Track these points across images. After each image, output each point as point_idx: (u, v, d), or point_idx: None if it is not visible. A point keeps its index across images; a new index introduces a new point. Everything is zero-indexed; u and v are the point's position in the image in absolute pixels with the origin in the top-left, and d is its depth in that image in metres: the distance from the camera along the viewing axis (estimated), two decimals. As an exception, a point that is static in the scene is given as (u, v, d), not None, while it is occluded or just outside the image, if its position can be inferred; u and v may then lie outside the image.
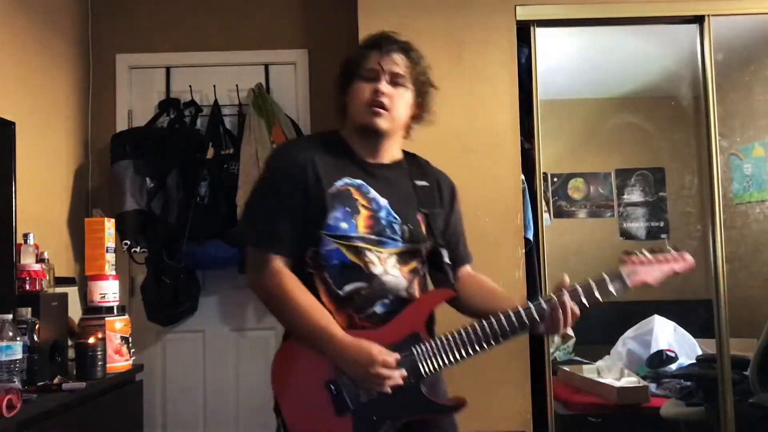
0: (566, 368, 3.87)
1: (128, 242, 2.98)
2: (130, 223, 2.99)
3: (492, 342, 1.51)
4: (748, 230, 4.01)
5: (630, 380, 3.61)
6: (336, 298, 1.55)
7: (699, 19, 2.99)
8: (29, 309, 1.97)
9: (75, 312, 2.46)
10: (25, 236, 2.22)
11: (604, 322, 4.19)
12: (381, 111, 1.58)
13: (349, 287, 1.54)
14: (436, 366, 1.51)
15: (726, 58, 3.32)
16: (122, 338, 2.28)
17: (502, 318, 1.52)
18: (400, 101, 1.61)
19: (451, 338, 1.51)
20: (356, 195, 1.58)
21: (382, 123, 1.59)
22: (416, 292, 1.61)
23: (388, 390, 1.47)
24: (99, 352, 2.11)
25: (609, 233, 4.51)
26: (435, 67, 2.89)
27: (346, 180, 1.58)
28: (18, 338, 1.77)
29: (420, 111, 1.69)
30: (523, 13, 2.92)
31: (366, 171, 1.62)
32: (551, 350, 3.01)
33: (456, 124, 2.86)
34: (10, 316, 1.79)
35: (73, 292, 2.64)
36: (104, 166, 3.21)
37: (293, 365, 1.57)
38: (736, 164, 4.16)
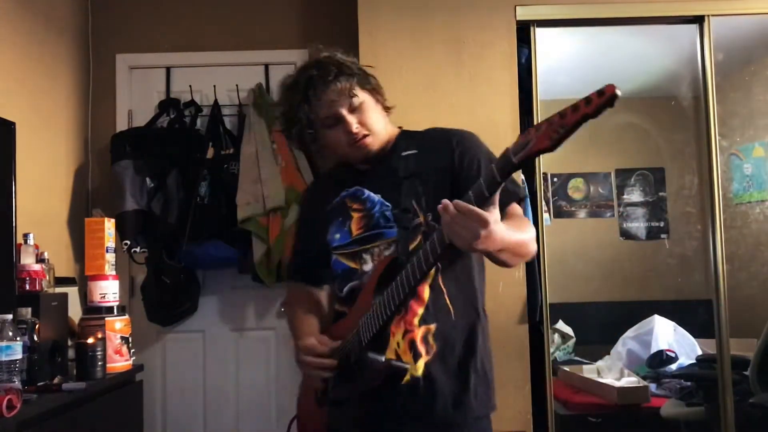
0: (566, 368, 3.87)
1: (128, 242, 2.98)
2: (130, 223, 2.99)
3: (416, 279, 1.37)
4: (748, 230, 4.01)
5: (630, 380, 3.61)
6: (339, 300, 1.65)
7: (699, 19, 2.99)
8: (29, 309, 1.98)
9: (75, 312, 2.46)
10: (25, 236, 2.22)
11: (604, 322, 4.20)
12: (365, 141, 1.56)
13: (347, 288, 1.61)
14: (374, 330, 1.44)
15: (726, 58, 3.32)
16: (122, 338, 2.28)
17: (414, 257, 1.37)
18: (369, 117, 1.57)
19: (382, 298, 1.42)
20: (350, 202, 1.62)
21: (373, 146, 1.58)
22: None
23: (320, 376, 1.53)
24: (99, 352, 2.11)
25: (609, 233, 4.51)
26: (435, 67, 2.92)
27: (343, 193, 1.64)
28: (18, 338, 1.77)
29: (383, 101, 1.65)
30: (523, 13, 2.92)
31: (360, 175, 1.64)
32: (551, 350, 3.01)
33: (456, 124, 2.83)
34: (10, 316, 1.79)
35: (73, 292, 2.64)
36: (104, 166, 3.21)
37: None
38: (736, 164, 4.15)
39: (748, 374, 3.00)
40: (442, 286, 1.53)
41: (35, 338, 1.97)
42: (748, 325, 3.34)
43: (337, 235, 1.62)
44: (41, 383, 1.94)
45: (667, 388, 3.59)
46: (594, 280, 4.30)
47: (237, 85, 3.24)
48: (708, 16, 2.97)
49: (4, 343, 1.73)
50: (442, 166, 1.58)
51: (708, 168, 2.97)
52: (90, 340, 2.10)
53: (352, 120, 1.54)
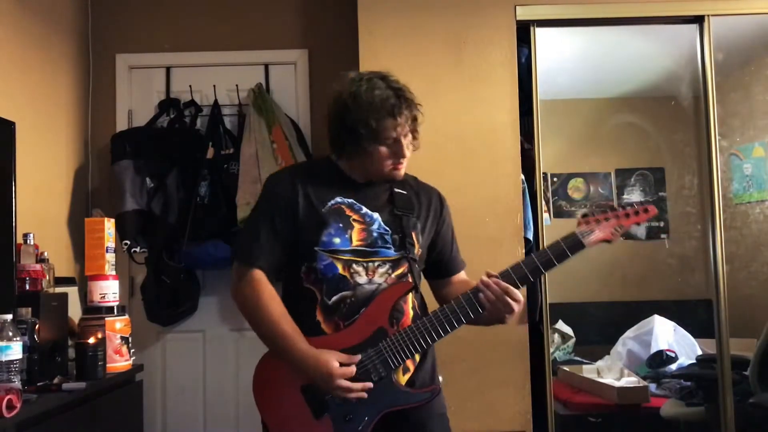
0: (566, 368, 3.87)
1: (128, 242, 2.98)
2: (130, 223, 2.99)
3: (452, 326, 1.62)
4: (748, 230, 4.01)
5: (630, 380, 3.61)
6: (324, 307, 1.65)
7: (699, 19, 2.99)
8: (29, 309, 1.98)
9: (75, 312, 2.46)
10: (25, 236, 2.22)
11: (604, 322, 4.20)
12: (400, 167, 1.70)
13: (336, 297, 1.63)
14: (404, 356, 1.60)
15: (726, 58, 3.32)
16: (122, 338, 2.28)
17: (456, 306, 1.63)
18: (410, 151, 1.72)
19: (414, 328, 1.62)
20: (349, 212, 1.67)
21: (402, 174, 1.73)
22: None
23: (354, 399, 1.57)
24: (99, 352, 2.11)
25: (609, 233, 4.50)
26: (435, 67, 2.93)
27: (338, 199, 1.69)
28: (18, 338, 1.77)
29: (418, 143, 1.76)
30: (523, 13, 2.92)
31: (356, 190, 1.71)
32: (551, 350, 3.01)
33: (456, 125, 2.87)
34: (10, 316, 1.79)
35: (73, 292, 2.64)
36: (104, 166, 3.21)
37: (271, 375, 1.71)
38: (736, 164, 4.15)
39: (748, 374, 3.00)
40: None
41: (35, 338, 1.97)
42: (748, 325, 3.34)
43: (337, 239, 1.64)
44: (41, 383, 1.94)
45: (667, 388, 3.59)
46: (594, 280, 4.29)
47: (237, 85, 3.25)
48: (708, 16, 2.97)
49: (4, 343, 1.73)
50: (433, 214, 1.78)
51: (708, 168, 2.97)
52: (90, 340, 2.10)
53: (405, 146, 1.66)
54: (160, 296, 3.06)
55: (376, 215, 1.68)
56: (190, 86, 3.26)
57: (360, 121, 1.62)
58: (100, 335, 2.13)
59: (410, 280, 1.68)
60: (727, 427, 2.87)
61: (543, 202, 2.98)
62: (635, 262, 4.41)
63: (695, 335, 3.92)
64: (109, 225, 2.41)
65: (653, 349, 3.83)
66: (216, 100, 3.24)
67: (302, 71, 3.35)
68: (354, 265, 1.63)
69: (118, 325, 2.27)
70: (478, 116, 2.88)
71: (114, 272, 2.39)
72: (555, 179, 4.50)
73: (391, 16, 2.90)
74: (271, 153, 3.03)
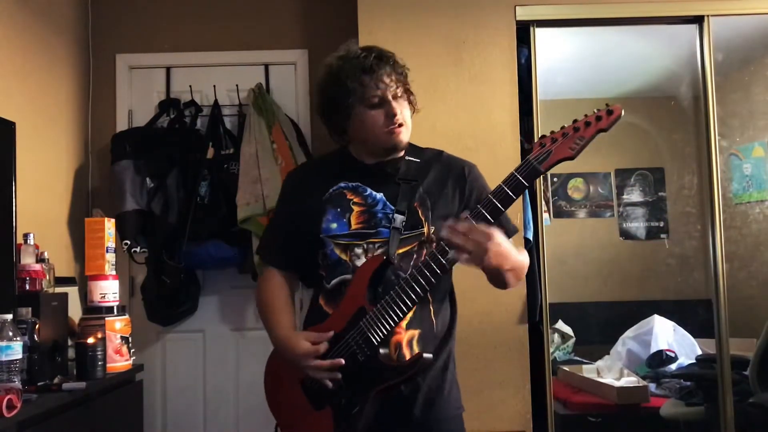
0: (566, 368, 3.87)
1: (128, 242, 2.98)
2: (130, 223, 2.99)
3: (423, 288, 1.50)
4: (748, 230, 4.01)
5: (630, 380, 3.61)
6: (325, 291, 1.66)
7: (699, 20, 2.99)
8: (29, 309, 1.98)
9: (75, 312, 2.46)
10: (25, 236, 2.22)
11: (604, 322, 4.20)
12: (400, 129, 1.63)
13: (335, 280, 1.64)
14: (384, 330, 1.53)
15: (726, 58, 3.32)
16: (122, 338, 2.28)
17: (421, 264, 1.51)
18: (407, 113, 1.66)
19: (388, 298, 1.53)
20: (350, 195, 1.66)
21: (405, 137, 1.65)
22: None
23: (329, 384, 1.55)
24: (99, 352, 2.11)
25: (609, 233, 4.50)
26: (435, 67, 2.93)
27: (342, 184, 1.68)
28: (18, 338, 1.77)
29: (415, 102, 1.72)
30: (523, 14, 2.92)
31: (363, 172, 1.69)
32: (551, 350, 3.01)
33: (456, 124, 2.87)
34: (10, 316, 1.79)
35: (73, 292, 2.64)
36: (104, 166, 3.21)
37: (275, 370, 1.70)
38: (736, 164, 4.15)
39: (747, 374, 3.00)
40: (430, 298, 1.62)
41: (35, 338, 1.97)
42: (748, 325, 3.34)
43: (334, 225, 1.64)
44: (41, 383, 1.94)
45: (667, 387, 3.59)
46: (594, 280, 4.29)
47: (237, 85, 3.25)
48: (708, 16, 2.97)
49: (4, 343, 1.73)
50: (452, 189, 1.67)
51: (708, 168, 2.98)
52: (90, 340, 2.10)
53: (396, 105, 1.61)
54: (160, 296, 3.05)
55: (380, 195, 1.64)
56: (190, 86, 3.27)
57: (340, 86, 1.60)
58: (100, 335, 2.14)
59: (418, 256, 1.59)
60: (727, 427, 2.87)
61: (543, 202, 2.98)
62: (635, 262, 4.41)
63: (695, 335, 3.93)
64: (110, 225, 2.42)
65: (653, 349, 3.83)
66: (216, 100, 3.24)
67: (302, 71, 3.35)
68: (355, 248, 1.62)
69: (118, 325, 2.27)
70: (478, 116, 2.88)
71: (114, 272, 2.39)
72: (555, 179, 4.50)
73: (391, 16, 2.90)
74: (271, 153, 3.03)
